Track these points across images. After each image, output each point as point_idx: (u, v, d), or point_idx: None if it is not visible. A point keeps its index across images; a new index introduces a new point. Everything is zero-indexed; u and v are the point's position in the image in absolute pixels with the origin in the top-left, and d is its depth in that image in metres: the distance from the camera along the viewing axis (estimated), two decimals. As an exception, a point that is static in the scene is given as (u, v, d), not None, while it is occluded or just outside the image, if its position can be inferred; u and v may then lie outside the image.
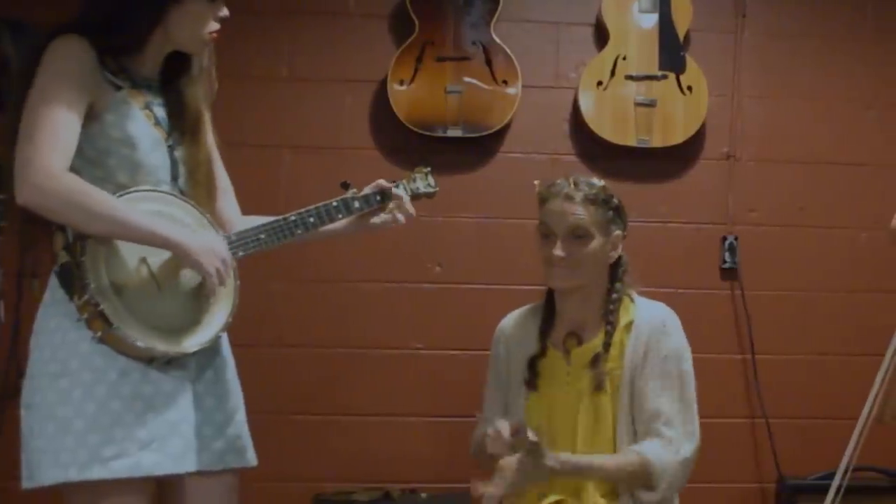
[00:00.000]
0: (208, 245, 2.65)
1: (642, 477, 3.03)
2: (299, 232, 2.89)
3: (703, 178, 4.82)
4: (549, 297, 3.27)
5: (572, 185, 3.11)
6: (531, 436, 2.85)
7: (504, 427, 2.90)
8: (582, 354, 3.17)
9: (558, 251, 3.08)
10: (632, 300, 3.22)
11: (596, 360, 3.13)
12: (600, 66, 4.67)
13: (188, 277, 2.69)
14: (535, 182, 3.23)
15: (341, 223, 3.02)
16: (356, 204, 3.01)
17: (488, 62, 4.64)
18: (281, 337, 4.69)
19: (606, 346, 3.13)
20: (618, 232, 3.17)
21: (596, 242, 3.11)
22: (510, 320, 3.37)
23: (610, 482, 3.08)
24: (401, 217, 3.08)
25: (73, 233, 2.59)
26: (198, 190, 2.80)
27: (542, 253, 3.15)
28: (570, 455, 3.02)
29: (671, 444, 3.06)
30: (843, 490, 2.93)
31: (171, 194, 2.73)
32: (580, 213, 3.09)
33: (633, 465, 3.02)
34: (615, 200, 3.16)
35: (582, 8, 4.81)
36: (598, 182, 3.16)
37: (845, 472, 2.89)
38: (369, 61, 4.72)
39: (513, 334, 3.31)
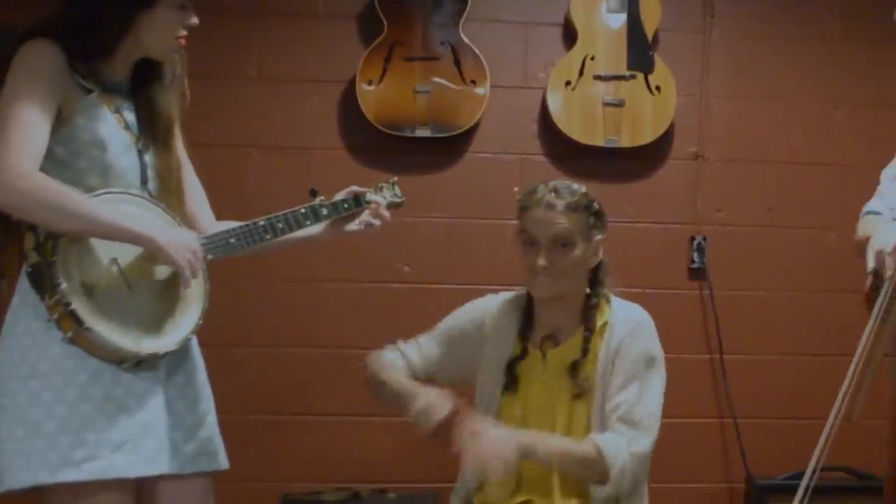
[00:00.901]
0: (178, 238, 2.67)
1: (594, 464, 2.96)
2: (268, 237, 2.90)
3: (671, 178, 4.83)
4: (529, 300, 3.24)
5: (553, 193, 3.07)
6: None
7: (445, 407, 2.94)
8: (557, 356, 3.15)
9: (542, 261, 3.05)
10: (608, 301, 3.20)
11: (575, 368, 3.10)
12: (568, 66, 4.66)
13: (158, 277, 2.70)
14: (515, 189, 3.19)
15: (312, 229, 3.03)
16: (324, 211, 3.03)
17: (457, 62, 4.63)
18: (249, 337, 4.68)
19: (585, 351, 3.11)
20: (599, 236, 3.14)
21: (579, 250, 3.08)
22: (492, 309, 3.29)
23: (564, 467, 3.02)
24: (376, 222, 3.09)
25: (43, 232, 2.59)
26: (169, 197, 2.82)
27: (526, 261, 3.11)
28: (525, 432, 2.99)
29: (623, 436, 3.00)
30: (811, 490, 2.93)
31: (142, 197, 2.74)
32: (562, 221, 3.05)
33: (585, 450, 2.97)
34: (596, 205, 3.12)
35: (550, 8, 4.81)
36: (579, 188, 3.11)
37: (814, 472, 2.88)
38: (338, 61, 4.71)
39: (491, 325, 3.26)
